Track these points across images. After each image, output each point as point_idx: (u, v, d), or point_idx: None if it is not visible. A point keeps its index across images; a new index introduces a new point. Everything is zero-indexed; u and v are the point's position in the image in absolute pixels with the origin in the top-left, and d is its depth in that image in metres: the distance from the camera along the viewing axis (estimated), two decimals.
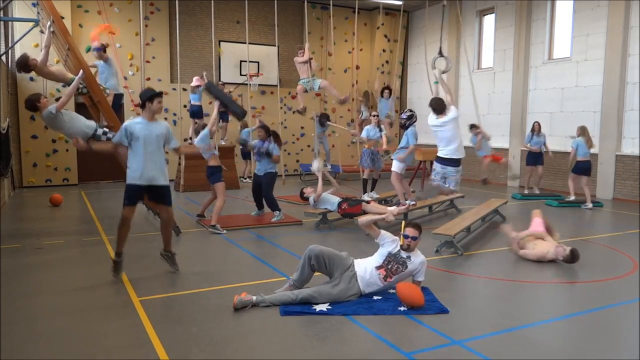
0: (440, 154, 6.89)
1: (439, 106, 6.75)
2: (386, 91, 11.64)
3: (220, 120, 12.01)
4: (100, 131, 6.58)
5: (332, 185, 7.85)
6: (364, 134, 9.67)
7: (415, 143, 8.25)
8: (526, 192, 11.34)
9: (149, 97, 4.95)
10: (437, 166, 6.94)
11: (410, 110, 8.59)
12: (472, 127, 9.97)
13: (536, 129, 11.07)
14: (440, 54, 8.05)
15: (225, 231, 7.22)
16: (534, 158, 11.15)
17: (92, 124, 6.61)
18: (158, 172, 4.97)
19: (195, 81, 11.70)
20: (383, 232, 4.53)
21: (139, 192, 4.98)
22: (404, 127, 8.45)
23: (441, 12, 15.10)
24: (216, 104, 7.19)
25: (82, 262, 5.82)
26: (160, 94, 5.04)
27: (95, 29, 9.32)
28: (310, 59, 9.52)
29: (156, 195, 5.09)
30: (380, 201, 8.96)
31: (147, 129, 4.93)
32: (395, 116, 12.85)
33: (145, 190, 5.00)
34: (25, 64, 6.84)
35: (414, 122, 8.38)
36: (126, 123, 5.05)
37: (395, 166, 8.28)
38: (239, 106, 7.67)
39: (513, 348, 3.50)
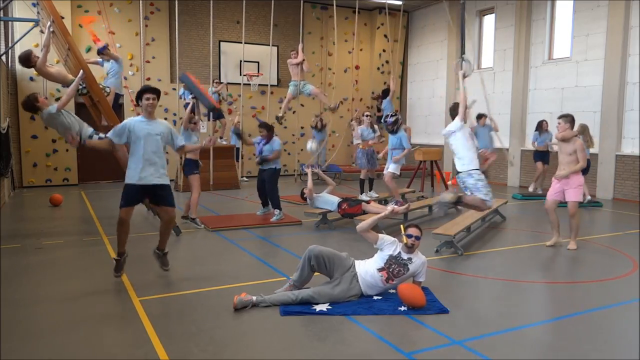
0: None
1: (451, 111, 6.15)
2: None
3: (218, 120, 12.04)
4: (95, 137, 6.55)
5: (329, 184, 7.93)
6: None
7: (410, 147, 8.24)
8: (540, 191, 11.06)
9: (138, 94, 4.87)
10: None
11: (395, 114, 8.47)
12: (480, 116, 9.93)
13: (544, 128, 10.98)
14: (462, 56, 6.83)
15: (202, 225, 7.34)
16: (541, 155, 11.07)
17: (90, 130, 6.60)
18: (157, 172, 4.81)
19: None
20: (381, 235, 4.51)
21: (137, 193, 4.82)
22: (391, 132, 8.36)
23: (440, 11, 15.21)
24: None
25: (82, 262, 5.82)
26: (149, 90, 4.84)
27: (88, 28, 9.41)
28: (303, 60, 9.54)
29: (157, 196, 4.93)
30: (379, 201, 8.97)
31: (147, 127, 4.81)
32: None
33: (145, 191, 4.85)
34: (27, 58, 6.87)
35: (400, 124, 8.37)
36: (127, 120, 4.92)
37: (392, 167, 8.30)
38: (210, 101, 7.67)
39: (513, 348, 3.50)
